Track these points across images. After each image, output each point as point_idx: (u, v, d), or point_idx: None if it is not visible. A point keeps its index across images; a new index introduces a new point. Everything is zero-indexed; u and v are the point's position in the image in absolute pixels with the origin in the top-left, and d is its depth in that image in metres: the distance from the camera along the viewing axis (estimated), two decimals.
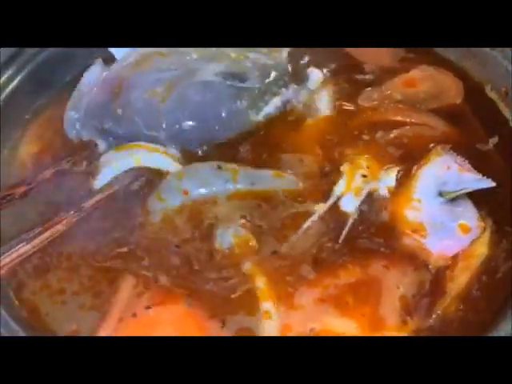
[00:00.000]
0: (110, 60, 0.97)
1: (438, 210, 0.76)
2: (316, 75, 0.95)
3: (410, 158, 0.82)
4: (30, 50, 0.95)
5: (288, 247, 0.75)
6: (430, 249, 0.73)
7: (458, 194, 0.75)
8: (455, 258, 0.72)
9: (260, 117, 0.88)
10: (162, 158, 0.84)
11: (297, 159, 0.84)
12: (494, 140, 0.85)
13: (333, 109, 0.91)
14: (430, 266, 0.72)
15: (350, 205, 0.77)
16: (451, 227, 0.74)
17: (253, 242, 0.75)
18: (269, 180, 0.81)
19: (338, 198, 0.78)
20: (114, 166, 0.84)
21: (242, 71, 0.89)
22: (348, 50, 1.00)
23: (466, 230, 0.73)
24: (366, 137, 0.86)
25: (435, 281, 0.71)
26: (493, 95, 0.92)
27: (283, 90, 0.90)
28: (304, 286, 0.71)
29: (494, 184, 0.74)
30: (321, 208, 0.77)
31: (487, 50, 0.91)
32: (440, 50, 0.98)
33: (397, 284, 0.71)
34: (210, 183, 0.80)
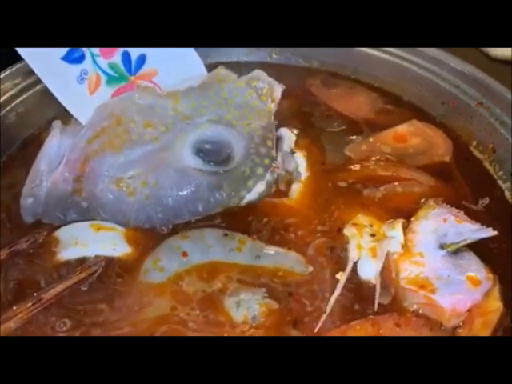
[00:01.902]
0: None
1: (441, 263, 0.72)
2: (288, 135, 0.89)
3: (401, 212, 0.80)
4: None
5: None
6: (442, 305, 0.68)
7: (460, 245, 0.73)
8: (470, 313, 0.68)
9: (241, 204, 0.80)
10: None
11: (294, 233, 0.77)
12: (484, 201, 0.84)
13: (311, 170, 0.86)
14: (444, 324, 0.68)
15: (369, 270, 0.72)
16: (459, 280, 0.70)
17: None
18: (276, 257, 0.74)
19: (355, 264, 0.73)
20: (79, 249, 0.73)
21: (227, 139, 0.81)
22: (324, 100, 1.01)
23: (475, 282, 0.70)
24: (356, 193, 0.84)
25: None
26: (477, 153, 0.92)
27: (271, 164, 0.82)
28: None
29: (495, 233, 0.73)
30: (341, 278, 0.71)
31: (473, 106, 0.93)
32: (424, 106, 1.00)
33: None
34: (212, 250, 0.73)
